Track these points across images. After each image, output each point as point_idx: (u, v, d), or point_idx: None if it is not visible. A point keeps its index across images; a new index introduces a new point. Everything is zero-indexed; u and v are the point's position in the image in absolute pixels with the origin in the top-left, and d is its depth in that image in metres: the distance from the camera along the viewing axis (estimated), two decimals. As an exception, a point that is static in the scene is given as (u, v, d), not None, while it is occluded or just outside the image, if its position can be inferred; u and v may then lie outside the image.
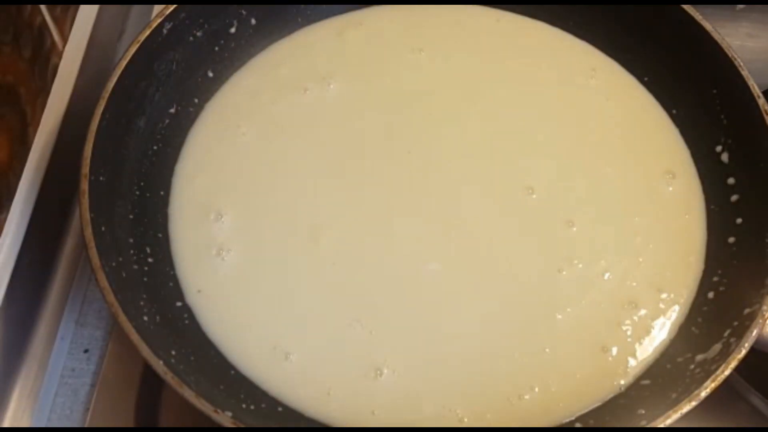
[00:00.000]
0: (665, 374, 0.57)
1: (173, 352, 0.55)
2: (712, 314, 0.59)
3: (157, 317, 0.57)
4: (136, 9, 0.80)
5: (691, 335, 0.58)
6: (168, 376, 0.51)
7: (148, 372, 0.53)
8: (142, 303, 0.57)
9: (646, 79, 0.69)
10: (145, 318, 0.56)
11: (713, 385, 0.52)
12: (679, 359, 0.57)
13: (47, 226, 0.65)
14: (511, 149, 0.66)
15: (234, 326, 0.59)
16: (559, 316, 0.60)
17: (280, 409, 0.57)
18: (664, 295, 0.61)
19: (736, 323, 0.55)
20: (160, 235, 0.62)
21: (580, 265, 0.61)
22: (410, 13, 0.72)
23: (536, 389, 0.57)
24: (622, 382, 0.58)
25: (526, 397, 0.57)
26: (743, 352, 0.53)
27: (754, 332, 0.54)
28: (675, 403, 0.52)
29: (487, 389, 0.57)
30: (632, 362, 0.58)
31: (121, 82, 0.60)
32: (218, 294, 0.60)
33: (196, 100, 0.68)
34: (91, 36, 0.70)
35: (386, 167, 0.65)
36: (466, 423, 0.56)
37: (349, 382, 0.57)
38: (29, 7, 0.61)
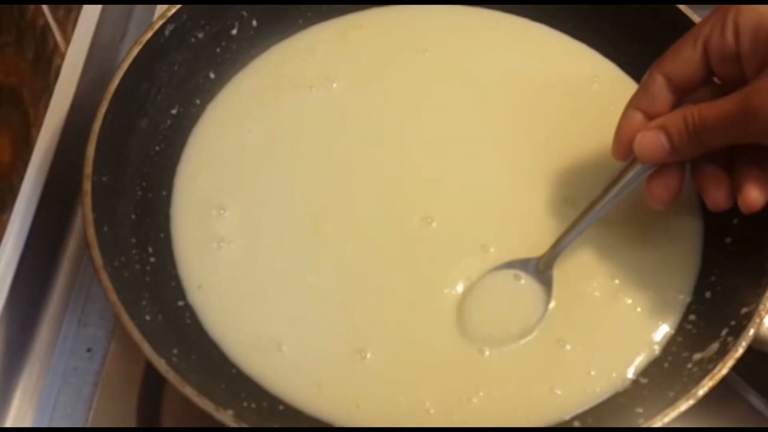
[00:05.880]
0: (663, 373, 0.57)
1: (175, 351, 0.55)
2: (709, 314, 0.59)
3: (159, 316, 0.57)
4: (138, 11, 0.80)
5: (689, 334, 0.59)
6: (170, 375, 0.52)
7: (150, 371, 0.53)
8: (144, 302, 0.57)
9: (644, 80, 0.70)
10: (147, 317, 0.56)
11: (711, 383, 0.53)
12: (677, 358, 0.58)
13: (50, 226, 0.66)
14: (511, 150, 0.66)
15: (232, 320, 0.59)
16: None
17: (281, 407, 0.57)
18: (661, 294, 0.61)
19: (733, 322, 0.56)
20: (162, 235, 0.63)
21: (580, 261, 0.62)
22: (411, 15, 0.72)
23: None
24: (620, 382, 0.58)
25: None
26: (740, 351, 0.53)
27: (751, 331, 0.54)
28: (673, 402, 0.52)
29: (453, 387, 0.57)
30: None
31: (124, 84, 0.61)
32: (218, 288, 0.60)
33: (198, 101, 0.68)
34: (93, 37, 0.70)
35: (389, 166, 0.65)
36: (432, 414, 0.56)
37: (337, 369, 0.58)
38: (32, 8, 0.62)
